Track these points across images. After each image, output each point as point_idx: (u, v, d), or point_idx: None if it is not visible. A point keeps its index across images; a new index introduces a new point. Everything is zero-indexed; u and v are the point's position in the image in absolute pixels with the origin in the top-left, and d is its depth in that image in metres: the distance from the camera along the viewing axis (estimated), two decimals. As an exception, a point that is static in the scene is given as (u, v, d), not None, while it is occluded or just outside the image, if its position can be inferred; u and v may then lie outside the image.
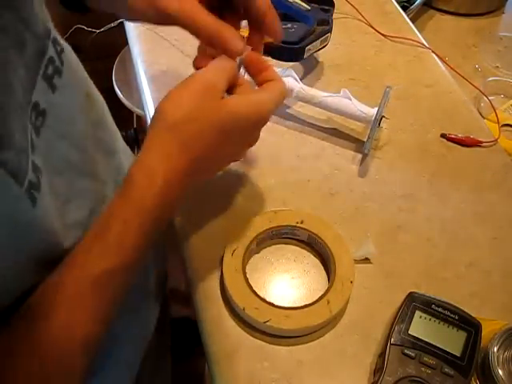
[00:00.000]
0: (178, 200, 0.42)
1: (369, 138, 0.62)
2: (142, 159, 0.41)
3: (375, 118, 0.62)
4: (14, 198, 0.32)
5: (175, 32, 0.79)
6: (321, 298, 0.51)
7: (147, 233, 0.40)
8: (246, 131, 0.46)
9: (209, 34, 0.48)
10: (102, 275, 0.37)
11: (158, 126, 0.42)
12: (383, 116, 0.63)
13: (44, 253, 0.37)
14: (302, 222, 0.56)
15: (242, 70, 0.52)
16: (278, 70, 0.68)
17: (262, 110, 0.45)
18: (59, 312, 0.36)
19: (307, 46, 0.67)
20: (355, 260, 0.54)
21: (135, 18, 0.53)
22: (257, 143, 0.51)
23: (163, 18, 0.48)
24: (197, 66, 0.52)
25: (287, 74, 0.67)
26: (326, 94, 0.65)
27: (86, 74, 0.48)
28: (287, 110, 0.69)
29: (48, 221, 0.37)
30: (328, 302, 0.50)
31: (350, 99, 0.64)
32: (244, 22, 0.76)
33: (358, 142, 0.66)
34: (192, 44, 0.77)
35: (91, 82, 0.49)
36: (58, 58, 0.39)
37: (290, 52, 0.68)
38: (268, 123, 0.70)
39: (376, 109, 0.62)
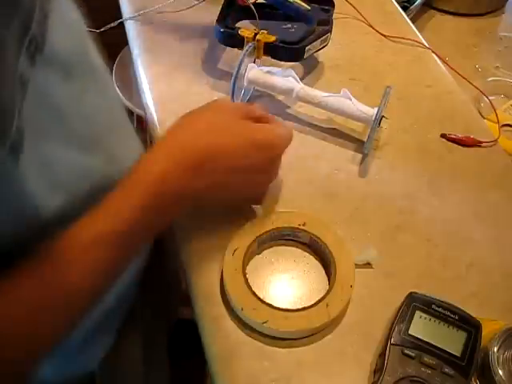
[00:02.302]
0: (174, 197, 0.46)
1: (369, 137, 0.62)
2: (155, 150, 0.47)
3: (375, 118, 0.61)
4: None
5: (175, 32, 0.79)
6: (320, 300, 0.51)
7: (147, 212, 0.44)
8: (262, 158, 0.51)
9: None
10: (111, 235, 0.42)
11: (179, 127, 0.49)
12: (383, 116, 0.63)
13: (23, 216, 0.39)
14: (304, 224, 0.56)
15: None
16: (278, 69, 0.68)
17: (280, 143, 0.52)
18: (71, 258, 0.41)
19: (307, 46, 0.67)
20: (357, 264, 0.54)
21: None
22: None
23: None
24: None
25: (287, 74, 0.67)
26: (326, 94, 0.65)
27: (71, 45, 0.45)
28: (287, 110, 0.69)
29: (29, 183, 0.38)
30: (327, 306, 0.50)
31: (351, 99, 0.64)
32: (246, 22, 0.76)
33: (358, 142, 0.66)
34: (192, 44, 0.77)
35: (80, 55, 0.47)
36: (40, 34, 0.39)
37: (290, 52, 0.68)
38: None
39: (376, 109, 0.62)
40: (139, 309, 0.64)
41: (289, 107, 0.70)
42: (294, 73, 0.67)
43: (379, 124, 0.63)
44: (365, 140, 0.64)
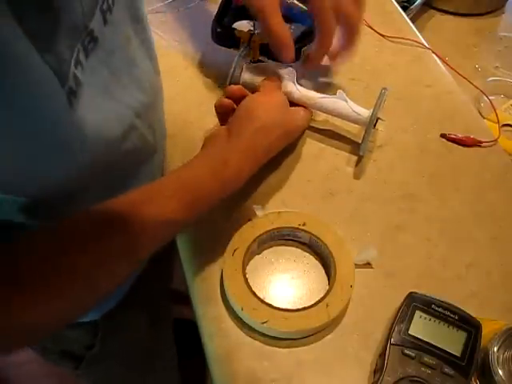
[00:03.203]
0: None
1: (364, 139, 0.61)
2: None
3: (370, 119, 0.61)
4: (54, 93, 0.37)
5: (175, 32, 0.79)
6: (320, 301, 0.51)
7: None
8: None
9: (276, 35, 0.60)
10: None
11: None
12: (379, 118, 0.62)
13: (69, 147, 0.42)
14: (304, 225, 0.56)
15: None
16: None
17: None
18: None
19: (303, 47, 0.67)
20: (357, 264, 0.54)
21: None
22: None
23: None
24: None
25: (286, 72, 0.66)
26: (321, 95, 0.64)
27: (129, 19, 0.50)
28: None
29: (82, 127, 0.41)
30: (327, 306, 0.50)
31: (346, 101, 0.63)
32: (244, 23, 0.76)
33: (355, 144, 0.66)
34: (192, 45, 0.77)
35: (138, 29, 0.52)
36: None
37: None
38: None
39: (371, 110, 0.62)
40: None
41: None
42: (294, 72, 0.66)
43: (375, 126, 0.62)
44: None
